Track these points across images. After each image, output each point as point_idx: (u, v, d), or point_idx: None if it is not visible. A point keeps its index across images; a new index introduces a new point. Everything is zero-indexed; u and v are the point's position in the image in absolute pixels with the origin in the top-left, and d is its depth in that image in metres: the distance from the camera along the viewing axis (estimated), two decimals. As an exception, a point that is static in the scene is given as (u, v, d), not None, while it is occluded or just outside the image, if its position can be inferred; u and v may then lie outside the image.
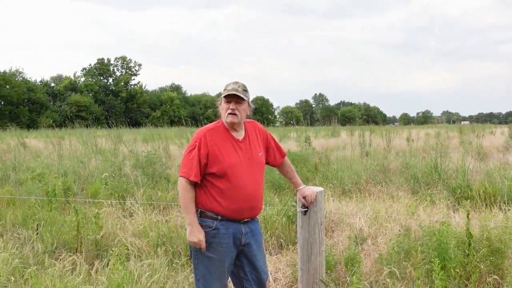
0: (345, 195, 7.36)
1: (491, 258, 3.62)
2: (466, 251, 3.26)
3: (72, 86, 67.01)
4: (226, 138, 2.88)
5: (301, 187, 3.22)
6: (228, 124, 2.89)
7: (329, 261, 3.88)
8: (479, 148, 12.22)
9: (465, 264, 3.33)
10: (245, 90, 2.88)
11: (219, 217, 2.81)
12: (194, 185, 2.82)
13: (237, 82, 2.91)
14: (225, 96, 2.87)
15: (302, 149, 11.84)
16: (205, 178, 2.82)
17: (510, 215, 5.40)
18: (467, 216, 3.23)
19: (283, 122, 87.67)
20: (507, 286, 3.36)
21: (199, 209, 2.85)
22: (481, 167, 8.98)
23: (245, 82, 2.94)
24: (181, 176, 2.80)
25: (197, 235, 2.75)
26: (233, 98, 2.84)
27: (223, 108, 2.88)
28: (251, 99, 3.00)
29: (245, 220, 2.90)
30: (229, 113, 2.83)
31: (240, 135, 2.94)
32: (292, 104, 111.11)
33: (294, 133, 20.95)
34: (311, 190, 3.23)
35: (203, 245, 2.76)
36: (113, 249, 3.54)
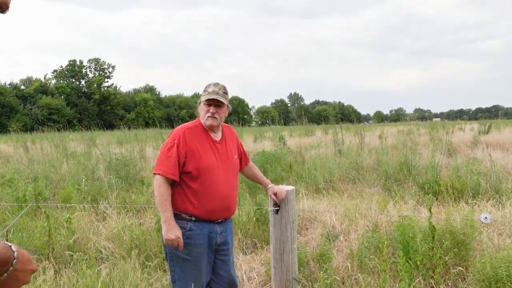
0: (319, 193, 7.46)
1: (454, 250, 3.76)
2: (431, 244, 3.37)
3: (43, 89, 65.49)
4: (204, 138, 2.87)
5: (270, 185, 3.25)
6: (207, 126, 2.88)
7: (302, 259, 3.94)
8: (448, 144, 12.54)
9: (430, 256, 3.45)
10: (225, 93, 2.87)
11: (193, 218, 2.79)
12: (171, 184, 2.79)
13: (217, 84, 2.88)
14: (206, 99, 2.84)
15: (277, 149, 11.93)
16: (180, 178, 2.78)
17: (476, 209, 5.60)
18: (429, 210, 3.35)
19: (259, 122, 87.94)
20: (472, 276, 3.48)
21: (172, 211, 2.80)
22: (450, 163, 9.25)
23: (220, 82, 2.93)
24: (158, 173, 2.73)
25: (174, 232, 2.69)
26: (214, 101, 2.82)
27: (203, 110, 2.86)
28: (230, 97, 3.02)
29: (220, 220, 2.90)
30: (209, 116, 2.82)
31: (217, 136, 2.94)
32: (268, 104, 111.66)
33: (269, 133, 21.04)
34: (280, 187, 3.25)
35: (181, 242, 2.72)
36: (77, 253, 3.51)
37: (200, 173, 2.76)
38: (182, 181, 2.79)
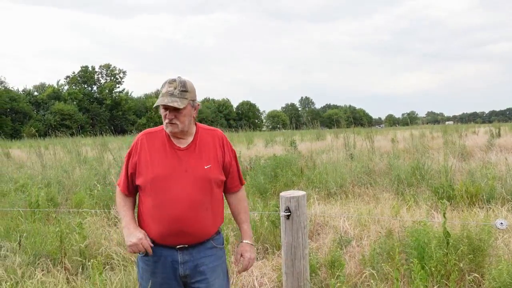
0: (331, 198, 7.40)
1: (469, 256, 3.69)
2: (445, 250, 3.32)
3: (56, 95, 66.53)
4: (163, 144, 2.37)
5: (245, 240, 2.54)
6: (169, 133, 2.40)
7: (313, 265, 3.90)
8: (462, 148, 12.39)
9: (445, 263, 3.39)
10: (184, 91, 2.29)
11: (151, 241, 2.33)
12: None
13: (173, 81, 2.30)
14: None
15: (287, 153, 11.90)
16: (138, 192, 2.44)
17: (491, 214, 5.50)
18: (443, 215, 3.29)
19: (270, 127, 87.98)
20: (488, 283, 3.42)
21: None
22: (464, 167, 9.12)
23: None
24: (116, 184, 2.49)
25: (135, 235, 2.27)
26: (169, 106, 2.30)
27: (162, 115, 2.35)
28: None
29: (180, 246, 2.32)
30: (167, 123, 2.32)
31: (183, 142, 2.39)
32: (279, 108, 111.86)
33: (280, 137, 21.00)
34: (251, 253, 2.52)
35: (145, 242, 2.27)
36: (93, 259, 3.51)
37: (146, 187, 2.31)
38: (139, 195, 2.42)
